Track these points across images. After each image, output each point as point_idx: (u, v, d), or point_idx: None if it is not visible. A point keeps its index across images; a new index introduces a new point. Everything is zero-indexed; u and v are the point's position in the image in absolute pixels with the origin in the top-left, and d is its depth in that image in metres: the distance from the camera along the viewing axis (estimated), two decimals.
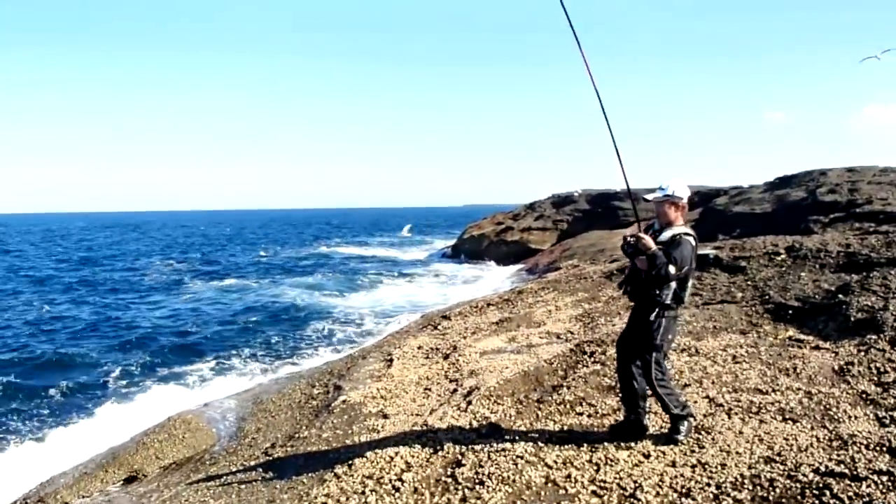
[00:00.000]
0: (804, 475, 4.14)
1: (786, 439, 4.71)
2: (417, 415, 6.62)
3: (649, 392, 4.90)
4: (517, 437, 5.32)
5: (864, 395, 5.39)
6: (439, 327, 11.25)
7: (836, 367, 6.10)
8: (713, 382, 6.05)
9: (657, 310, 4.59)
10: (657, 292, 4.57)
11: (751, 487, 4.11)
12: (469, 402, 6.39)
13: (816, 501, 3.88)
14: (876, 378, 5.71)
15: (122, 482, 7.56)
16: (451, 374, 7.87)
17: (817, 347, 6.77)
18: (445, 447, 5.28)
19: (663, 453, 4.71)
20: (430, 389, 7.51)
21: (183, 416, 8.64)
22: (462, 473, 4.80)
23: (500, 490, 4.50)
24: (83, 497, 7.27)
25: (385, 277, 31.99)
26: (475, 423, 5.85)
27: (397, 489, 4.79)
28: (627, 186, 4.81)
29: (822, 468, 4.20)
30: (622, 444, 4.92)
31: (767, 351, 6.81)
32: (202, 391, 12.15)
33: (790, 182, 25.29)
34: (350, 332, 18.11)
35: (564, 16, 4.62)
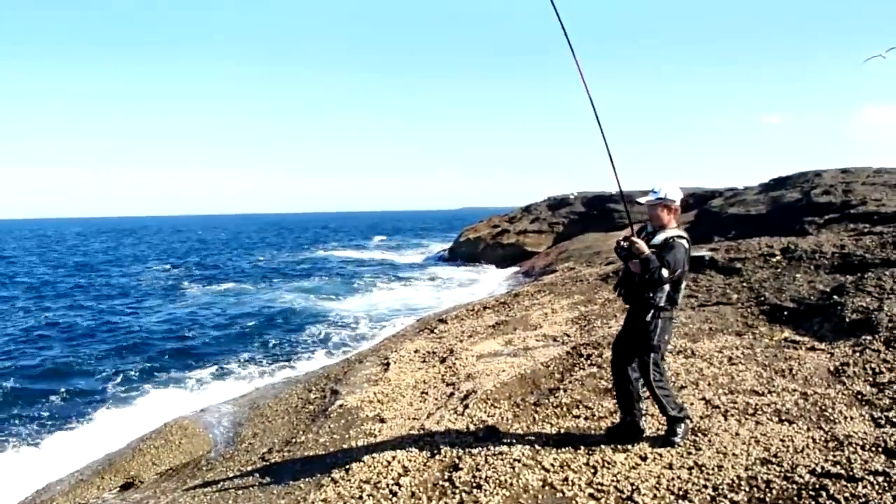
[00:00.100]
0: (800, 476, 4.15)
1: (782, 440, 4.72)
2: (414, 419, 6.62)
3: (645, 394, 4.91)
4: (514, 441, 5.32)
5: (859, 396, 5.41)
6: (436, 331, 11.26)
7: (832, 368, 6.12)
8: (709, 384, 6.06)
9: (652, 311, 4.61)
10: (651, 295, 4.59)
11: (747, 489, 4.12)
12: (466, 406, 6.39)
13: (813, 502, 3.88)
14: (871, 379, 5.73)
15: (118, 489, 7.54)
16: (447, 378, 7.87)
17: (813, 348, 6.79)
18: (442, 451, 5.28)
19: (660, 455, 4.71)
20: (426, 393, 7.51)
21: (179, 422, 8.62)
22: (459, 477, 4.80)
23: (497, 493, 4.50)
24: None
25: (381, 281, 31.98)
26: (472, 427, 5.84)
27: (395, 493, 4.78)
28: (620, 191, 4.83)
29: (819, 469, 4.21)
30: (619, 446, 4.92)
31: (763, 352, 6.83)
32: (199, 396, 12.12)
33: (785, 183, 25.39)
34: (346, 336, 18.10)
35: (558, 23, 4.63)
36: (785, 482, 4.12)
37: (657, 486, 4.31)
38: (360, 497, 4.83)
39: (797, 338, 7.23)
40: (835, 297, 7.95)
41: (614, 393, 5.31)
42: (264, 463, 6.58)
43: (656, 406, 4.90)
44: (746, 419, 5.18)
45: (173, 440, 8.10)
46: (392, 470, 5.16)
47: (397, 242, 68.49)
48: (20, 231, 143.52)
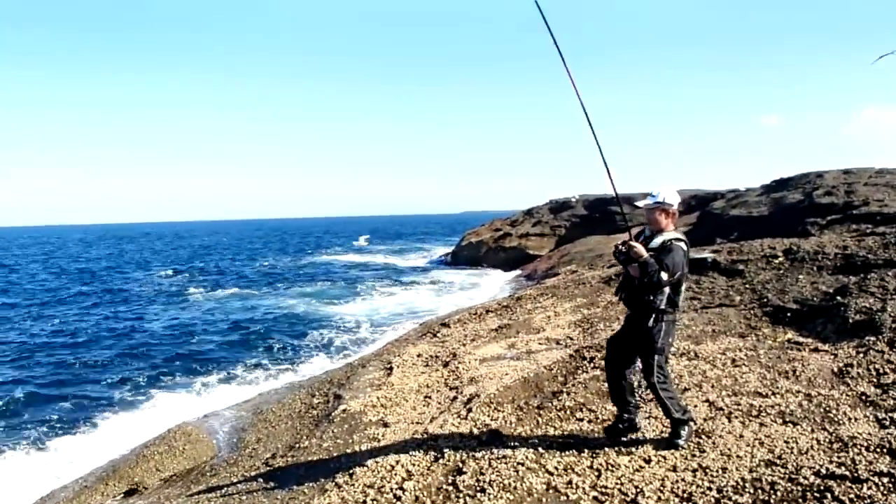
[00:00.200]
0: (805, 478, 4.14)
1: (786, 442, 4.71)
2: (418, 423, 6.62)
3: (639, 391, 4.95)
4: (518, 444, 5.31)
5: (863, 397, 5.39)
6: (438, 335, 11.26)
7: (836, 369, 6.10)
8: (713, 386, 6.05)
9: (654, 315, 4.63)
10: (651, 298, 4.61)
11: (752, 491, 4.11)
12: (469, 410, 6.39)
13: None
14: (875, 379, 5.72)
15: (122, 495, 7.55)
16: (450, 382, 7.87)
17: (816, 350, 6.77)
18: (446, 455, 5.28)
19: (664, 458, 4.70)
20: (430, 397, 7.51)
21: (183, 428, 8.63)
22: (463, 481, 4.80)
23: (501, 497, 4.50)
24: None
25: (384, 285, 31.99)
26: (476, 431, 5.84)
27: (399, 498, 4.78)
28: (616, 195, 4.88)
29: (823, 471, 4.20)
30: (623, 449, 4.92)
31: (766, 354, 6.81)
32: (202, 402, 12.13)
33: (787, 185, 25.37)
34: (349, 341, 18.10)
35: (550, 36, 4.68)
36: (789, 484, 4.11)
37: (661, 488, 4.31)
38: (364, 502, 4.83)
39: (800, 339, 7.21)
40: (838, 298, 7.93)
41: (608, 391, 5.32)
42: (268, 468, 6.58)
43: (660, 409, 4.91)
44: (750, 421, 5.17)
45: (177, 446, 8.11)
46: (396, 474, 5.16)
47: (396, 246, 68.51)
48: (22, 238, 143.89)
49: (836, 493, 3.92)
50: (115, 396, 13.37)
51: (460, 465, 5.08)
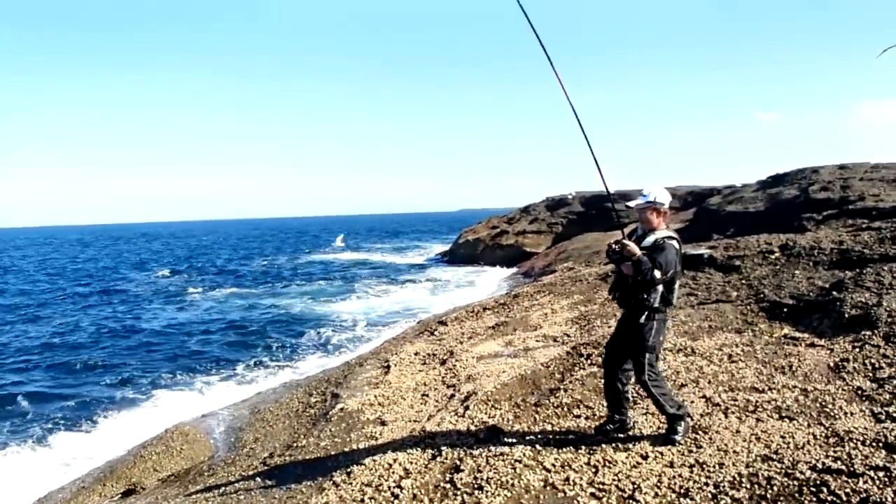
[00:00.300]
0: (801, 472, 4.15)
1: (783, 437, 4.72)
2: (415, 421, 6.62)
3: (633, 392, 4.98)
4: (515, 441, 5.32)
5: (859, 392, 5.41)
6: (436, 333, 11.25)
7: (832, 364, 6.12)
8: (709, 382, 6.07)
9: (647, 313, 4.66)
10: (645, 296, 4.63)
11: (749, 486, 4.12)
12: (467, 407, 6.39)
13: (814, 498, 3.89)
14: (871, 374, 5.73)
15: (119, 496, 7.54)
16: (448, 380, 7.87)
17: (812, 345, 6.79)
18: (444, 453, 5.29)
19: (661, 454, 4.71)
20: (427, 395, 7.51)
21: (180, 428, 8.62)
22: (461, 479, 4.80)
23: (499, 494, 4.50)
24: None
25: (381, 283, 31.98)
26: (473, 428, 5.85)
27: (396, 496, 4.78)
28: (608, 192, 4.90)
29: (819, 465, 4.22)
30: (620, 445, 4.93)
31: (763, 349, 6.83)
32: (200, 402, 12.11)
33: (783, 180, 25.42)
34: (346, 339, 18.09)
35: (533, 32, 4.70)
36: (786, 479, 4.13)
37: (658, 484, 4.32)
38: (362, 500, 4.83)
39: (797, 334, 7.23)
40: (834, 293, 7.95)
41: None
42: (266, 467, 6.58)
43: (655, 406, 4.92)
44: (747, 416, 5.18)
45: (174, 446, 8.10)
46: (393, 472, 5.16)
47: (394, 244, 68.48)
48: (19, 240, 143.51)
49: (833, 487, 3.93)
50: (112, 397, 13.35)
51: (458, 462, 5.08)
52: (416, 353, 9.75)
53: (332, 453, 6.31)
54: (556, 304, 11.46)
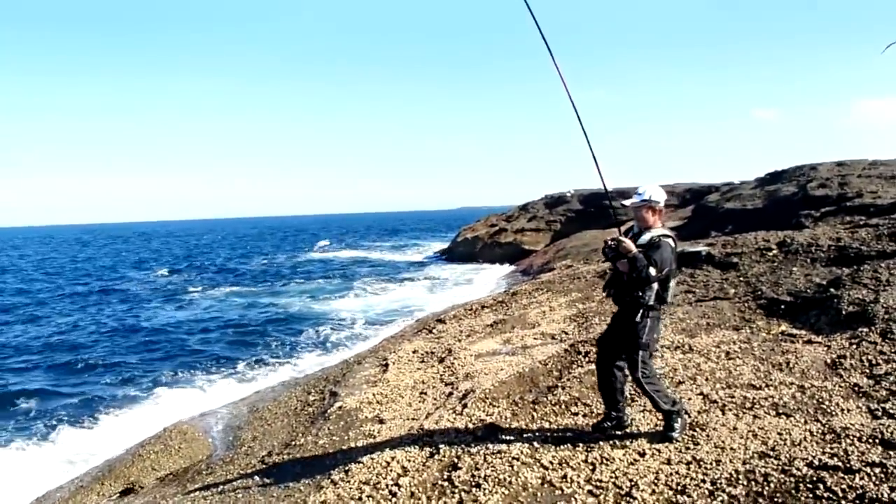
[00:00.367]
0: (798, 469, 4.16)
1: (779, 434, 4.73)
2: (413, 419, 6.62)
3: (629, 389, 4.99)
4: (513, 439, 5.33)
5: (856, 388, 5.42)
6: (434, 331, 11.26)
7: (829, 361, 6.13)
8: (707, 379, 6.07)
9: (642, 310, 4.67)
10: (640, 294, 4.65)
11: (745, 483, 4.13)
12: (465, 405, 6.39)
13: (810, 495, 3.90)
14: (868, 371, 5.74)
15: (118, 494, 7.54)
16: (446, 378, 7.88)
17: (810, 341, 6.80)
18: (442, 451, 5.29)
19: (658, 451, 4.72)
20: (425, 393, 7.51)
21: (179, 427, 8.62)
22: (458, 476, 4.81)
23: (496, 492, 4.51)
24: None
25: (380, 281, 32.00)
26: (471, 426, 5.85)
27: (394, 494, 4.79)
28: (605, 189, 4.91)
29: (816, 462, 4.22)
30: (618, 443, 4.93)
31: (760, 346, 6.84)
32: (199, 400, 12.12)
33: (781, 177, 25.44)
34: (345, 337, 18.11)
35: (537, 29, 4.71)
36: (783, 475, 4.13)
37: (656, 481, 4.32)
38: (360, 498, 4.84)
39: (794, 331, 7.24)
40: (831, 289, 7.96)
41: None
42: (264, 466, 6.58)
43: (650, 403, 4.94)
44: (744, 413, 5.19)
45: (173, 445, 8.10)
46: (391, 470, 5.16)
47: (393, 242, 68.45)
48: (16, 239, 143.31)
49: (829, 483, 3.94)
50: (112, 395, 13.36)
51: (455, 460, 5.09)
52: (414, 352, 9.76)
53: (331, 451, 6.31)
54: (554, 301, 11.46)
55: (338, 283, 32.55)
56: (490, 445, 5.22)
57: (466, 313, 12.19)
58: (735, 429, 4.92)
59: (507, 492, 4.50)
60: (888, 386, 5.32)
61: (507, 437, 5.40)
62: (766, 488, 4.04)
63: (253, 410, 9.20)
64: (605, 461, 4.68)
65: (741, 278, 9.73)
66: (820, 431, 4.69)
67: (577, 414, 5.75)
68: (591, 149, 4.77)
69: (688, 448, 4.71)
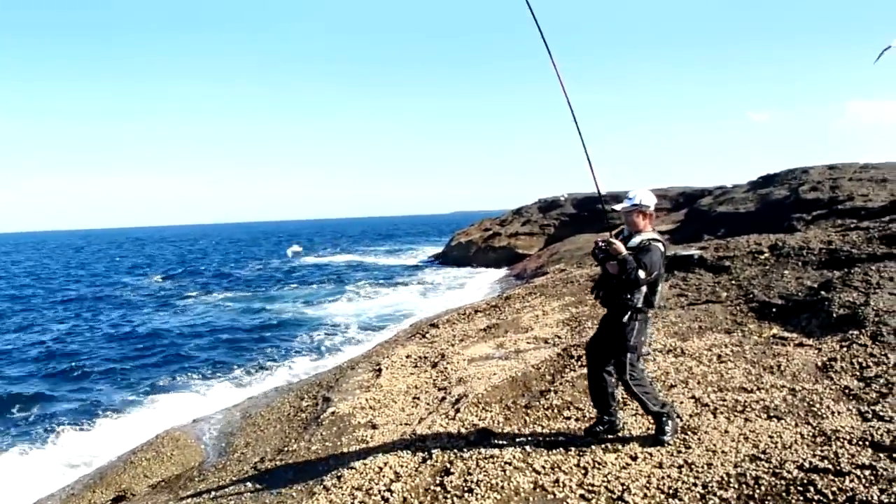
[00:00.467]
0: (789, 472, 4.18)
1: (770, 437, 4.75)
2: (406, 424, 6.61)
3: (620, 392, 5.00)
4: (505, 443, 5.33)
5: (846, 391, 5.44)
6: (427, 335, 11.25)
7: (820, 364, 6.16)
8: (699, 382, 6.09)
9: (630, 313, 4.70)
10: (629, 296, 4.68)
11: (736, 486, 4.14)
12: (457, 410, 6.39)
13: (801, 498, 3.91)
14: (858, 373, 5.77)
15: (110, 502, 7.48)
16: (439, 383, 7.87)
17: (801, 344, 6.83)
18: (434, 456, 5.28)
19: (650, 455, 4.73)
20: (418, 398, 7.51)
21: (171, 433, 8.57)
22: (451, 481, 4.80)
23: (488, 497, 4.50)
24: None
25: (374, 286, 31.95)
26: (464, 431, 5.85)
27: (386, 500, 4.78)
28: (599, 193, 4.94)
29: (807, 464, 4.24)
30: (610, 446, 4.94)
31: (752, 349, 6.86)
32: (191, 406, 12.04)
33: (773, 181, 25.56)
34: (338, 343, 18.06)
35: (537, 29, 4.73)
36: (773, 478, 4.15)
37: (647, 485, 4.33)
38: None
39: (785, 334, 7.27)
40: (822, 292, 8.01)
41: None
42: (256, 472, 6.56)
43: (639, 405, 4.96)
44: (735, 416, 5.20)
45: (165, 452, 8.05)
46: (384, 476, 5.15)
47: (387, 246, 68.42)
48: (7, 245, 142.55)
49: (819, 486, 3.96)
50: (103, 402, 13.27)
51: (448, 465, 5.08)
52: (407, 356, 9.75)
53: (323, 457, 6.29)
54: (547, 305, 11.48)
55: (332, 287, 32.48)
56: (482, 450, 5.22)
57: (460, 318, 12.19)
58: (726, 432, 4.93)
59: (499, 496, 4.50)
60: (878, 388, 5.36)
61: (500, 442, 5.39)
62: (757, 491, 4.05)
63: (246, 416, 9.17)
64: (597, 465, 4.69)
65: (733, 282, 9.77)
66: (811, 434, 4.72)
67: (569, 418, 5.75)
68: (586, 152, 4.80)
69: (679, 451, 4.72)
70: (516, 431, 5.65)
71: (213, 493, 6.26)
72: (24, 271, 54.80)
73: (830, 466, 4.16)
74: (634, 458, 4.72)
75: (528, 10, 4.71)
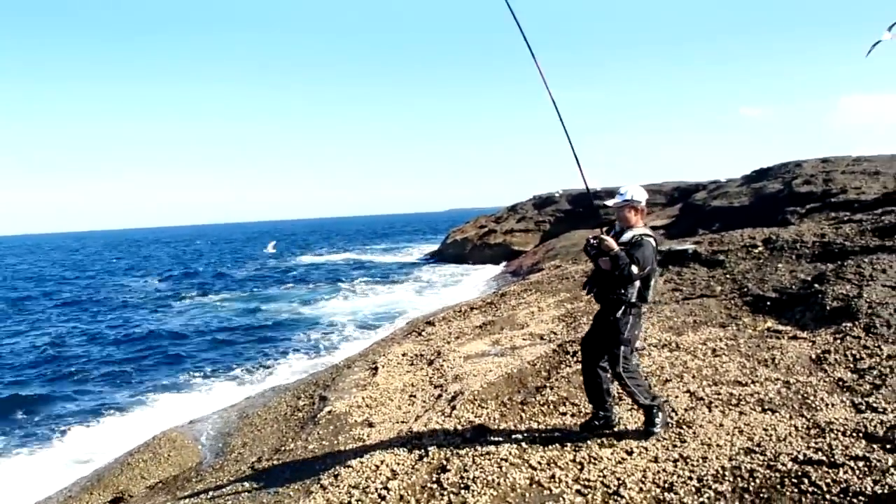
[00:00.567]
0: (783, 464, 4.20)
1: (765, 430, 4.76)
2: (403, 422, 6.62)
3: (615, 388, 5.00)
4: (501, 440, 5.34)
5: (840, 383, 5.47)
6: (423, 333, 11.25)
7: (814, 356, 6.18)
8: (694, 376, 6.11)
9: (624, 308, 4.72)
10: (622, 291, 4.71)
11: (731, 479, 4.16)
12: (454, 407, 6.40)
13: (795, 490, 3.93)
14: (852, 365, 5.80)
15: None
16: (435, 380, 7.88)
17: (795, 337, 6.85)
18: (430, 453, 5.29)
19: (646, 449, 4.75)
20: (415, 396, 7.52)
21: (168, 435, 8.57)
22: (447, 479, 4.81)
23: (485, 493, 4.51)
24: None
25: (370, 284, 31.97)
26: (460, 428, 5.85)
27: (383, 497, 4.78)
28: (588, 189, 4.98)
29: (801, 457, 4.26)
30: (605, 441, 4.96)
31: (746, 343, 6.89)
32: (188, 407, 12.05)
33: (767, 175, 25.65)
34: (335, 341, 18.08)
35: (520, 31, 4.76)
36: (768, 471, 4.17)
37: (643, 479, 4.35)
38: (349, 502, 4.83)
39: (780, 327, 7.30)
40: (816, 285, 8.03)
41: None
42: (254, 472, 6.56)
43: (630, 398, 4.99)
44: (730, 410, 5.22)
45: (162, 453, 8.05)
46: (381, 474, 5.16)
47: (383, 245, 68.38)
48: (2, 248, 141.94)
49: (814, 478, 3.98)
50: (101, 404, 13.27)
51: (444, 462, 5.09)
52: (403, 354, 9.75)
53: (320, 456, 6.30)
54: (542, 302, 11.50)
55: (328, 286, 32.49)
56: (479, 447, 5.23)
57: (455, 315, 12.19)
58: (721, 425, 4.95)
59: (495, 493, 4.51)
60: (871, 380, 5.38)
61: (496, 438, 5.41)
62: (752, 484, 4.07)
63: (243, 416, 9.16)
64: (593, 460, 4.70)
65: (728, 276, 9.79)
66: (805, 426, 4.74)
67: (565, 414, 5.77)
68: (572, 147, 4.83)
69: (675, 446, 4.74)
70: (512, 428, 5.67)
71: (210, 493, 6.26)
72: (17, 274, 54.59)
73: (824, 458, 4.18)
74: (630, 453, 4.73)
75: (510, 14, 4.75)
